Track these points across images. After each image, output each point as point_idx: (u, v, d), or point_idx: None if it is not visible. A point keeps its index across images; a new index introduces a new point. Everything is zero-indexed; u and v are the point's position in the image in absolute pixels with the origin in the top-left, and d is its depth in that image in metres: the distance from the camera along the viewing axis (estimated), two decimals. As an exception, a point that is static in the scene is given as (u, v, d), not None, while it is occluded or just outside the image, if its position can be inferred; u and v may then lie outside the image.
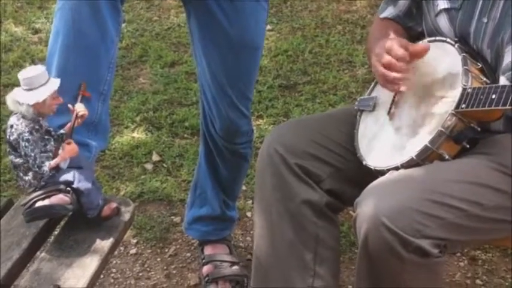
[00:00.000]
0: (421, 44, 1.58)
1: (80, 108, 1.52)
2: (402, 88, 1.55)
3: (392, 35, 1.62)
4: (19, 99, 1.42)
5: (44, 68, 1.45)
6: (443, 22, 1.61)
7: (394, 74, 1.53)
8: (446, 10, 1.60)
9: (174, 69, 3.47)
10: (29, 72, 1.43)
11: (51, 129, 1.49)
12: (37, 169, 1.45)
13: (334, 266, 1.69)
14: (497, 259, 2.26)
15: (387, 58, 1.54)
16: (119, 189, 2.65)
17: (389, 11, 1.76)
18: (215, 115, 2.01)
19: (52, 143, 1.48)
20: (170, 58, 3.54)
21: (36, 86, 1.42)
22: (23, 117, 1.44)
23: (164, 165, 2.78)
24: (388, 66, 1.54)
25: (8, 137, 1.46)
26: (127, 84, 3.37)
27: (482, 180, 1.45)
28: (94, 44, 1.59)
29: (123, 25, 3.76)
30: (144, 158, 2.81)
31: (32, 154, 1.44)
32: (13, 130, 1.45)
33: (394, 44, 1.53)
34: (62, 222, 1.57)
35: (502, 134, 1.55)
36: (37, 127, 1.46)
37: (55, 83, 1.45)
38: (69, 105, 1.52)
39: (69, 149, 1.47)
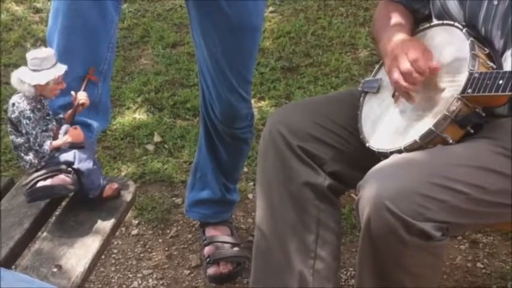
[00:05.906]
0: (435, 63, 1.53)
1: (81, 96, 1.51)
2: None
3: (412, 40, 1.57)
4: (23, 78, 1.43)
5: (53, 52, 1.45)
6: (452, 4, 1.59)
7: (407, 85, 1.52)
8: (455, -8, 1.58)
9: (176, 50, 3.45)
10: (37, 53, 1.43)
11: (50, 112, 1.49)
12: (38, 147, 1.45)
13: (335, 249, 1.69)
14: (498, 243, 2.26)
15: (407, 67, 1.51)
16: (120, 170, 2.65)
17: (396, -7, 1.74)
18: (215, 99, 2.00)
19: (54, 123, 1.48)
20: (172, 39, 3.52)
21: (42, 68, 1.42)
22: (25, 96, 1.44)
23: (165, 146, 2.77)
24: (405, 75, 1.51)
25: (9, 114, 1.46)
26: (129, 64, 3.35)
27: (485, 164, 1.45)
28: (93, 23, 1.58)
29: (125, 5, 3.73)
30: (145, 139, 2.81)
31: (34, 132, 1.44)
32: (15, 108, 1.45)
33: (420, 56, 1.50)
34: (64, 203, 1.57)
35: (506, 117, 1.54)
36: (39, 106, 1.45)
37: (61, 69, 1.44)
38: (72, 93, 1.51)
39: (75, 134, 1.47)
